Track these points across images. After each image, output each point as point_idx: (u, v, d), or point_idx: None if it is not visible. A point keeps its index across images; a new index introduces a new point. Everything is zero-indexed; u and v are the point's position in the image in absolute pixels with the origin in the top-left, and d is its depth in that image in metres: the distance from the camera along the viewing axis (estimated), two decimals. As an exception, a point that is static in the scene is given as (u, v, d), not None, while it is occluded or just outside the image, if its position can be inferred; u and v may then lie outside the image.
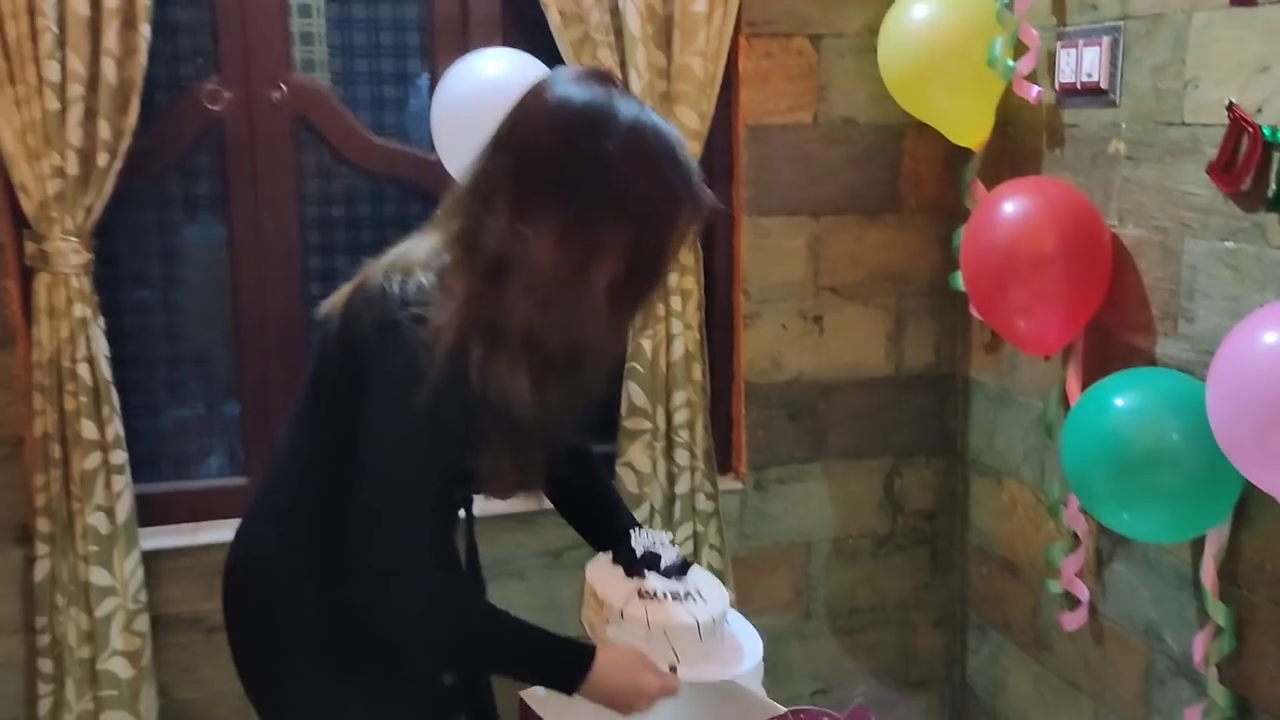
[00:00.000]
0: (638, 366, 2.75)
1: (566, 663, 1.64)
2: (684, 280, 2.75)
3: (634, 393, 2.76)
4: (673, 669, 1.66)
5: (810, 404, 2.99)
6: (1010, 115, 2.70)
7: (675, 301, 2.74)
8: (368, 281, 1.60)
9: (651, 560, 1.75)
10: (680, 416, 2.78)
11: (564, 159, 1.51)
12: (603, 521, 1.96)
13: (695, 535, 2.85)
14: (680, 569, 1.77)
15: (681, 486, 2.81)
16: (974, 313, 2.81)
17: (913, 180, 2.97)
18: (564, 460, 1.76)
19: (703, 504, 2.85)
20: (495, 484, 1.70)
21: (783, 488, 3.00)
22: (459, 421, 1.53)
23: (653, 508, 2.80)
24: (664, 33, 2.67)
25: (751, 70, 2.82)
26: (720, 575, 2.89)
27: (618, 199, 1.51)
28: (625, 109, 1.54)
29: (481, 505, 2.71)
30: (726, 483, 2.96)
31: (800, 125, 2.87)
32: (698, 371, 2.80)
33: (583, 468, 1.96)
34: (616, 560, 1.79)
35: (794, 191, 2.89)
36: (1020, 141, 2.70)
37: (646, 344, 2.74)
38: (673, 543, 1.83)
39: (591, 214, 1.50)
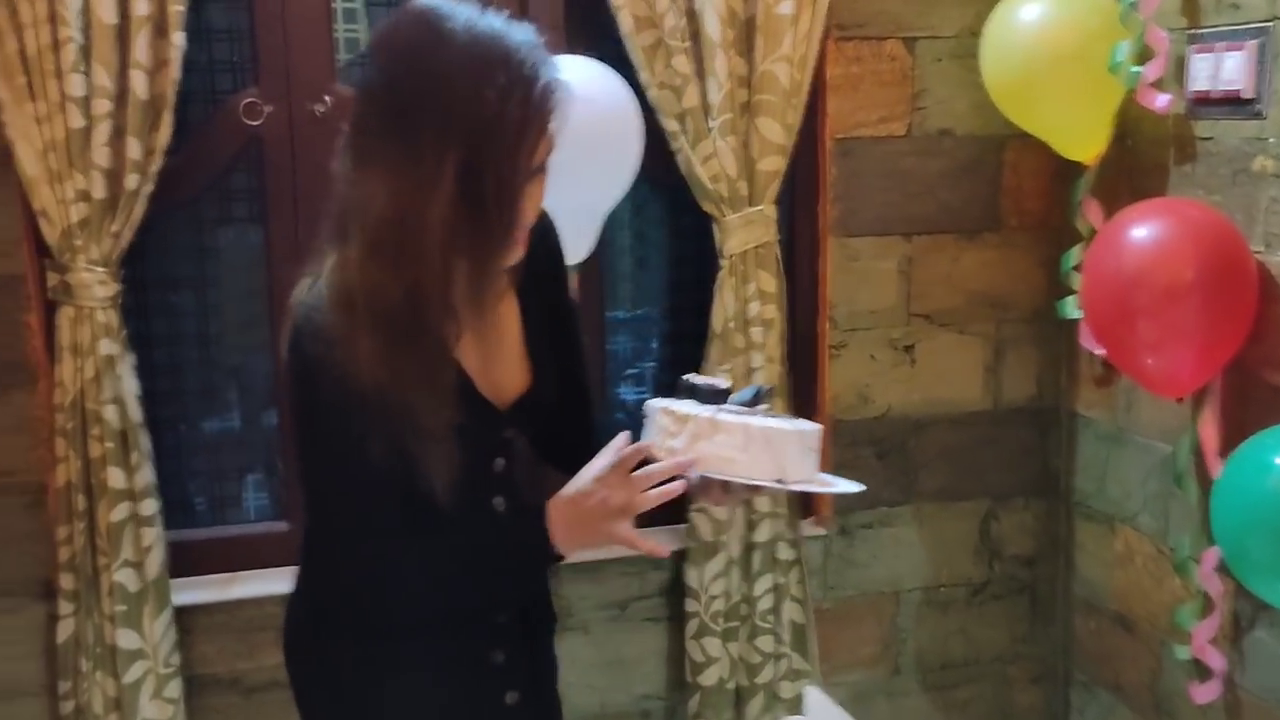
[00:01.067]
0: (714, 403, 2.50)
1: (525, 532, 1.43)
2: (765, 308, 2.50)
3: (710, 432, 2.51)
4: (780, 482, 1.39)
5: (900, 441, 2.73)
6: (1130, 127, 2.43)
7: (756, 332, 2.49)
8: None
9: (720, 395, 1.45)
10: (760, 458, 2.53)
11: (388, 84, 1.33)
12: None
13: (776, 587, 2.60)
14: (755, 399, 1.48)
15: (761, 534, 2.56)
16: (1084, 343, 2.55)
17: (1015, 197, 2.70)
18: (570, 438, 1.59)
19: (784, 553, 2.60)
20: (423, 477, 1.41)
21: (870, 533, 2.75)
22: (343, 416, 1.35)
23: (730, 558, 2.56)
24: (745, 37, 2.42)
25: (840, 77, 2.56)
26: (801, 629, 2.65)
27: (440, 117, 1.28)
28: (461, 15, 1.32)
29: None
30: (809, 528, 2.71)
31: (893, 137, 2.61)
32: (775, 409, 2.55)
33: (586, 429, 1.68)
34: (681, 395, 1.49)
35: (885, 209, 2.63)
36: (1142, 156, 2.42)
37: (723, 380, 2.48)
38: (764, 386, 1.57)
39: (416, 139, 1.29)
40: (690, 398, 1.43)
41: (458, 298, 1.35)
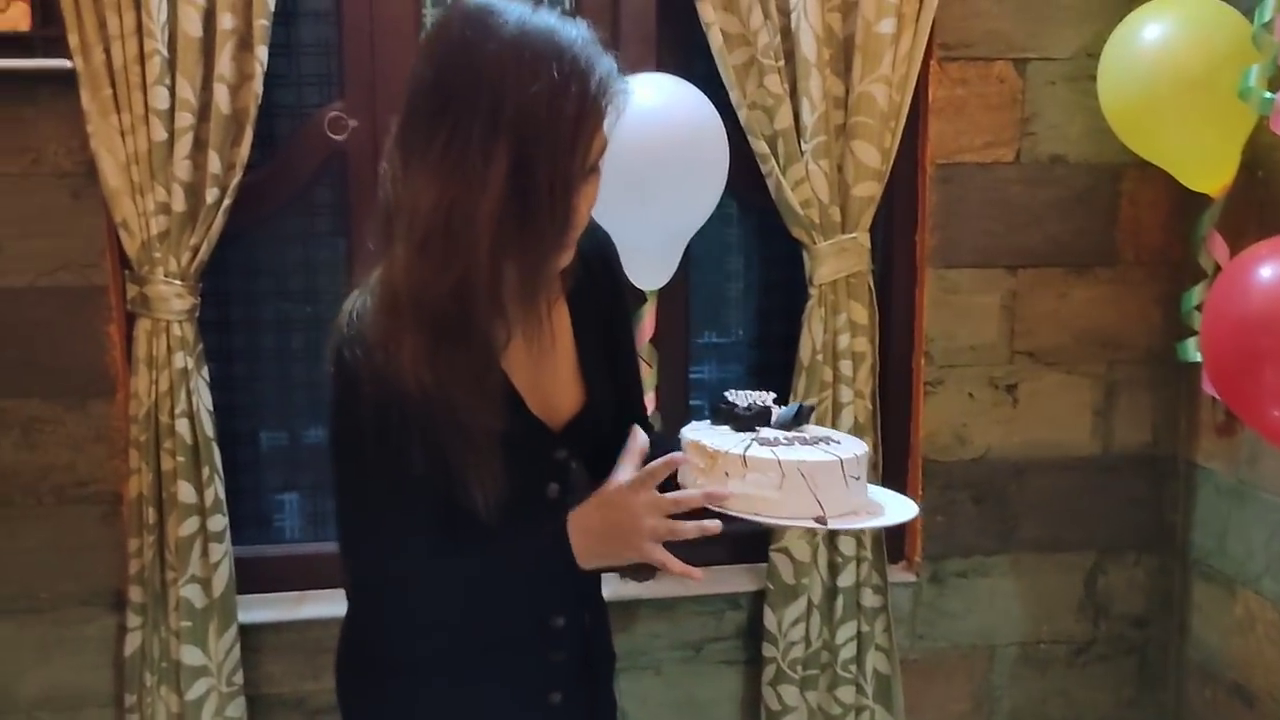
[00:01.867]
0: (799, 438, 2.39)
1: (544, 541, 1.34)
2: (856, 341, 2.38)
3: (794, 469, 2.40)
4: (820, 521, 1.27)
5: (999, 486, 2.57)
6: (1260, 156, 2.25)
7: (845, 366, 2.37)
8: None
9: (761, 417, 1.37)
10: (847, 498, 2.41)
11: (435, 79, 1.27)
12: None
13: (859, 635, 2.47)
14: (796, 418, 1.37)
15: (845, 579, 2.43)
16: (1205, 388, 2.36)
17: (1132, 229, 2.53)
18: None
19: (869, 599, 2.46)
20: (465, 491, 1.34)
21: (964, 582, 2.59)
22: (382, 424, 1.29)
23: (810, 602, 2.43)
24: (843, 57, 2.32)
25: (943, 100, 2.43)
26: (887, 681, 2.51)
27: (489, 111, 1.22)
28: (513, 11, 1.26)
29: (613, 588, 2.43)
30: (897, 574, 2.57)
31: (999, 164, 2.47)
32: (868, 446, 2.42)
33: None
34: (718, 421, 1.40)
35: (988, 240, 2.49)
36: (1273, 187, 2.24)
37: (767, 394, 2.37)
38: (777, 403, 1.42)
39: (464, 134, 1.23)
40: (728, 422, 1.34)
41: (507, 298, 1.29)
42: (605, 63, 1.27)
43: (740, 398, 1.40)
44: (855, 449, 1.32)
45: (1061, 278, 2.53)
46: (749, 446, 1.28)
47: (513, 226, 1.24)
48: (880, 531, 2.46)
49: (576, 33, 1.26)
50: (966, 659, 2.63)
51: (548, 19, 1.26)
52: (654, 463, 1.31)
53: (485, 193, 1.22)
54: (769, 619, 2.45)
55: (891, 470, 2.52)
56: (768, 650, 2.46)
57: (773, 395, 1.39)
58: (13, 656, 2.34)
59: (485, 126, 1.22)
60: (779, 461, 1.25)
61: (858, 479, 1.31)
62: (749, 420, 1.34)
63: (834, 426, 2.39)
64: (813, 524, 1.26)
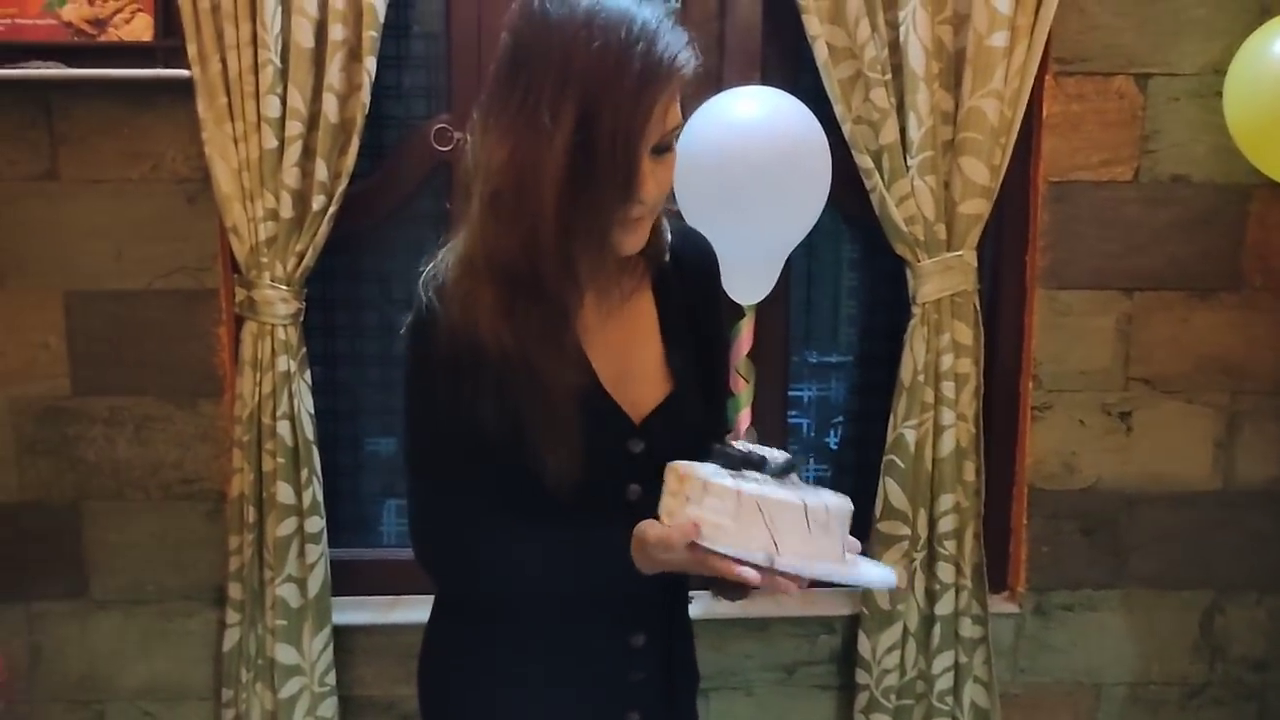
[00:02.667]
0: (897, 460, 2.33)
1: (605, 540, 1.34)
2: (960, 362, 2.31)
3: (891, 491, 2.34)
4: (769, 558, 1.21)
5: (1110, 518, 2.47)
6: (1400, 177, 2.12)
7: (947, 387, 2.31)
8: None
9: (751, 462, 1.31)
10: (946, 524, 2.34)
11: (513, 44, 1.29)
12: None
13: (957, 666, 2.39)
14: (786, 469, 1.31)
15: (943, 607, 2.36)
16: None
17: (1259, 253, 2.41)
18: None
19: (968, 629, 2.39)
20: (538, 460, 1.33)
21: (1070, 615, 2.49)
22: (455, 378, 1.32)
23: (906, 629, 2.37)
24: (953, 70, 2.26)
25: (1058, 116, 2.35)
26: (985, 715, 2.42)
27: (559, 69, 1.24)
28: None
29: (705, 606, 2.40)
30: (998, 604, 2.48)
31: (1116, 182, 2.38)
32: (970, 471, 2.35)
33: None
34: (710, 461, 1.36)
35: (1103, 261, 2.40)
36: None
37: (910, 434, 2.32)
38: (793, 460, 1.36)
39: (535, 92, 1.25)
40: (718, 462, 1.31)
41: (576, 257, 1.29)
42: (677, 35, 1.27)
43: (745, 449, 1.34)
44: (830, 500, 1.26)
45: (1182, 301, 2.42)
46: (718, 475, 1.25)
47: (577, 185, 1.25)
48: (981, 560, 2.38)
49: (651, 8, 1.27)
50: (1071, 696, 2.52)
51: None
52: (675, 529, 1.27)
53: (550, 148, 1.23)
54: (863, 644, 2.39)
55: (995, 497, 2.44)
56: (861, 677, 2.40)
57: (785, 456, 1.33)
58: (119, 646, 2.42)
59: (555, 84, 1.23)
60: (737, 491, 1.22)
61: (824, 528, 1.24)
62: (733, 462, 1.30)
63: (934, 450, 2.33)
64: (760, 558, 1.21)
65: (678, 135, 1.30)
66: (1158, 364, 2.43)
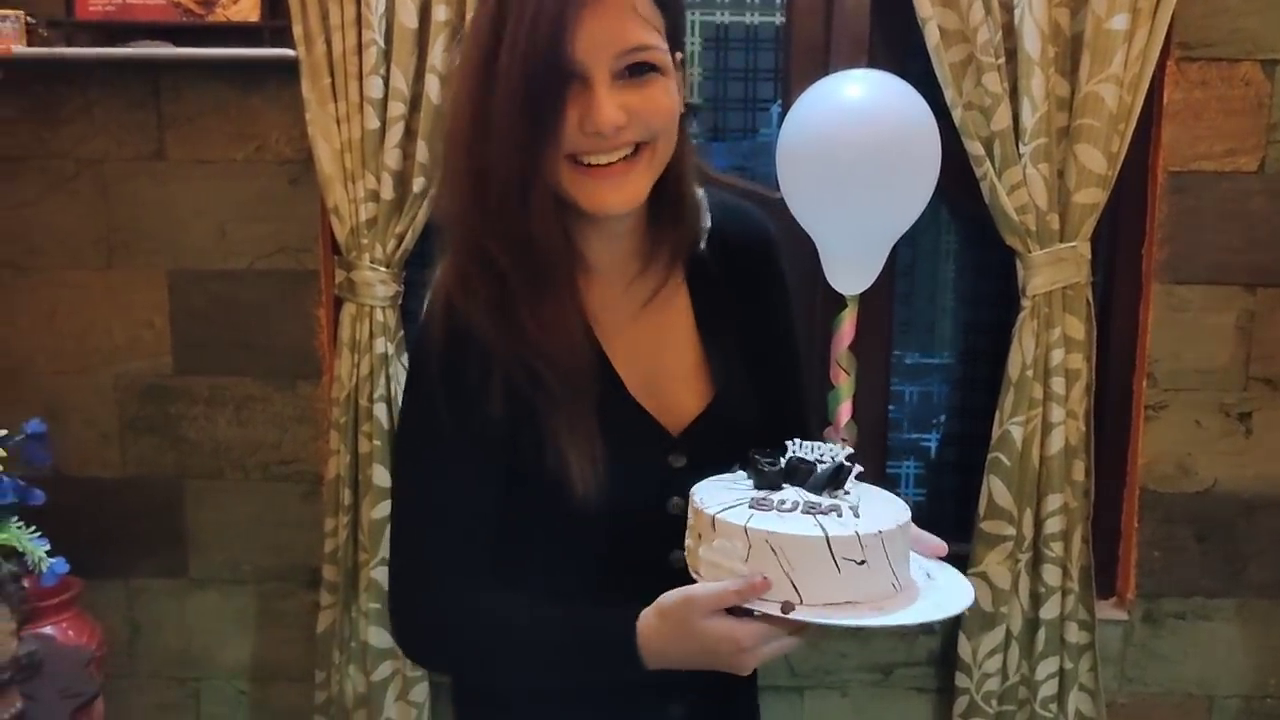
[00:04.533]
0: (1003, 458, 2.26)
1: (608, 640, 1.13)
2: (1070, 357, 2.23)
3: (996, 490, 2.27)
4: (786, 608, 1.03)
5: (1227, 523, 2.37)
6: None
7: (1057, 383, 2.23)
8: None
9: (800, 471, 1.14)
10: (1053, 525, 2.26)
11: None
12: None
13: (1062, 672, 2.31)
14: (835, 477, 1.12)
15: (1048, 611, 2.28)
16: None
17: (1391, 248, 2.30)
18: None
19: (1074, 635, 2.30)
20: (554, 465, 1.16)
21: (1182, 624, 2.39)
22: (451, 390, 1.16)
23: (1009, 632, 2.29)
24: (1069, 55, 2.18)
25: (1180, 103, 2.26)
26: (1090, 725, 2.34)
27: (479, 25, 1.13)
28: None
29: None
30: (1106, 610, 2.39)
31: (1240, 173, 2.28)
32: (1080, 471, 2.27)
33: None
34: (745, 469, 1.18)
35: (1225, 255, 2.30)
36: None
37: (1017, 431, 2.24)
38: (850, 461, 1.14)
39: (474, 29, 1.14)
40: (753, 477, 1.14)
41: (524, 220, 1.12)
42: None
43: (805, 449, 1.16)
44: (866, 526, 1.05)
45: (1307, 299, 2.31)
46: (729, 509, 1.08)
47: (485, 120, 1.10)
48: (1089, 563, 2.30)
49: None
50: (1181, 708, 2.42)
51: None
52: (732, 584, 1.06)
53: (463, 83, 1.13)
54: (963, 647, 2.32)
55: (1105, 499, 2.35)
56: (961, 680, 2.33)
57: (846, 451, 1.14)
58: (217, 625, 2.44)
59: (475, 24, 1.14)
60: (745, 529, 1.04)
61: (858, 562, 1.03)
62: (773, 476, 1.12)
63: (1042, 448, 2.25)
64: (776, 609, 1.03)
65: (653, 56, 1.11)
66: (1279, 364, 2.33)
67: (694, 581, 1.10)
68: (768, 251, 1.33)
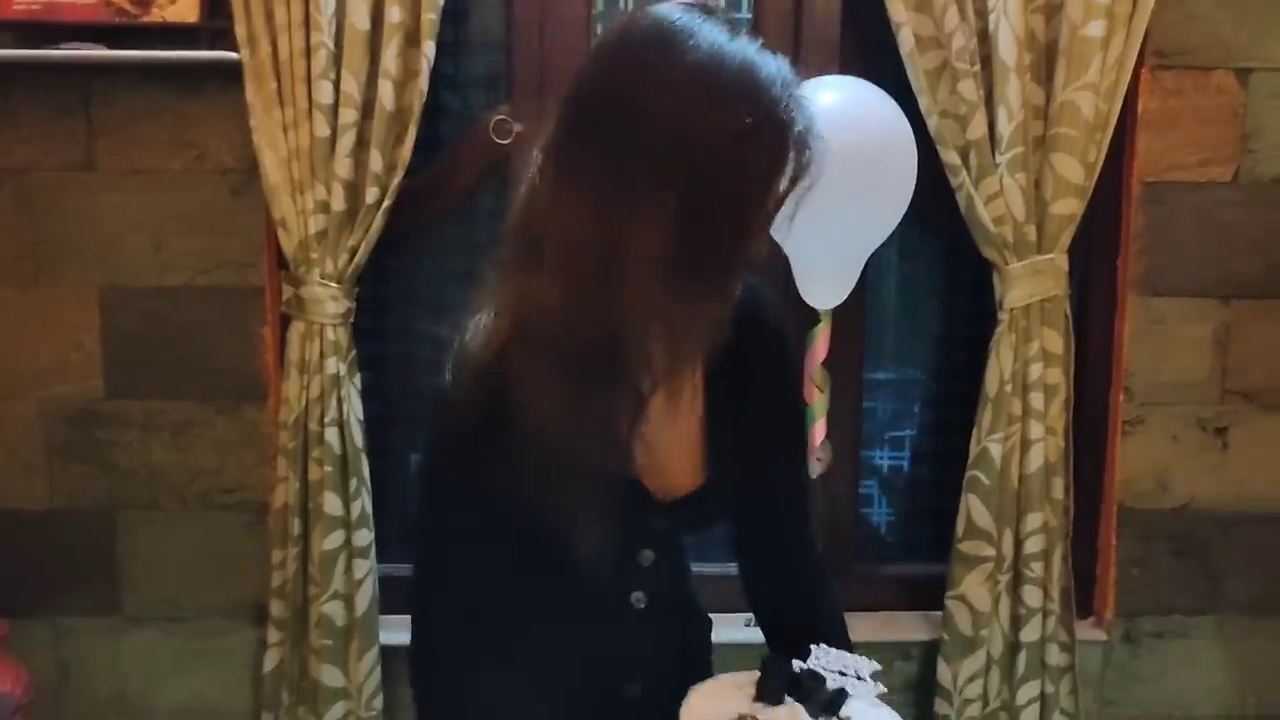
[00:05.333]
0: (981, 476, 2.19)
1: None
2: (1049, 372, 2.17)
3: (975, 510, 2.20)
4: None
5: (1204, 539, 2.33)
6: None
7: (1035, 399, 2.17)
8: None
9: (807, 687, 1.15)
10: (1033, 544, 2.20)
11: (606, 93, 1.09)
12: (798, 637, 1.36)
13: (1043, 697, 2.24)
14: (833, 703, 1.13)
15: (1029, 633, 2.22)
16: None
17: (1364, 259, 2.27)
18: (773, 571, 1.40)
19: (1055, 657, 2.24)
20: (569, 542, 1.18)
21: (1160, 644, 2.35)
22: (476, 455, 1.16)
23: (989, 656, 2.22)
24: (1045, 62, 2.13)
25: (1155, 112, 2.22)
26: (1072, 749, 2.27)
27: (664, 148, 1.04)
28: (705, 34, 1.06)
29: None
30: (1085, 630, 2.33)
31: (1215, 184, 2.24)
32: (1059, 488, 2.21)
33: (800, 581, 1.41)
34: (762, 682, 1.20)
35: (1200, 267, 2.26)
36: None
37: (995, 449, 2.18)
38: (869, 677, 1.17)
39: (631, 167, 1.05)
40: (761, 697, 1.15)
41: (654, 351, 1.13)
42: (806, 114, 1.08)
43: (828, 659, 1.17)
44: None
45: (1281, 311, 2.28)
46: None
47: (670, 275, 1.07)
48: (1070, 583, 2.24)
49: (777, 72, 1.07)
50: (1160, 729, 2.38)
51: (745, 50, 1.07)
52: None
53: (644, 237, 1.05)
54: (943, 673, 2.24)
55: (1083, 516, 2.29)
56: (941, 707, 2.25)
57: (872, 667, 1.16)
58: (154, 665, 2.29)
59: (657, 162, 1.04)
60: None
61: None
62: (774, 690, 1.13)
63: (1021, 466, 2.18)
64: None
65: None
66: (1256, 377, 2.29)
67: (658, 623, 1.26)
68: (769, 316, 1.33)
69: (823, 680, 1.14)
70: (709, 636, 1.48)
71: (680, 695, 1.35)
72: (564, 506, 1.14)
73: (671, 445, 1.26)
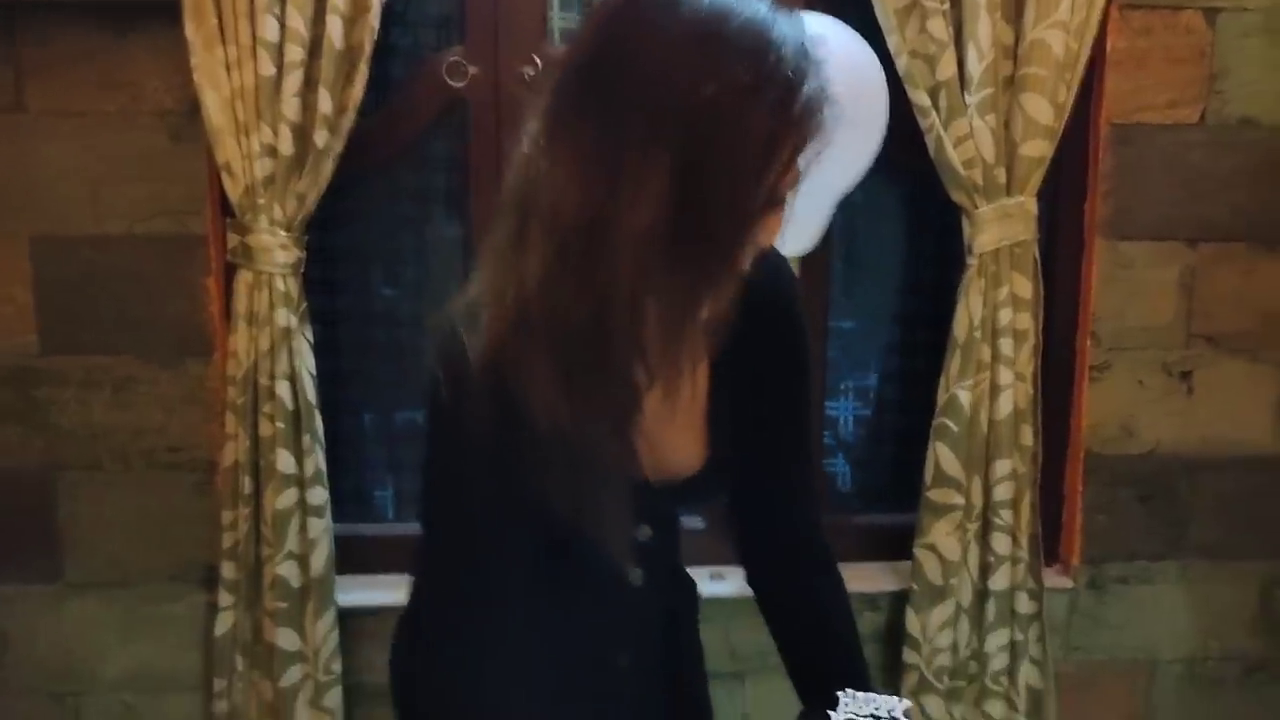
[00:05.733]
0: (950, 424, 2.16)
1: None
2: (1019, 317, 2.14)
3: (944, 458, 2.17)
4: None
5: (1169, 484, 2.32)
6: None
7: (1005, 344, 2.14)
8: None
9: None
10: (1002, 492, 2.17)
11: (599, 53, 1.02)
12: (815, 661, 1.35)
13: (1013, 645, 2.23)
14: None
15: (998, 582, 2.20)
16: None
17: (1328, 202, 2.26)
18: (775, 552, 1.35)
19: (1024, 605, 2.23)
20: (570, 528, 1.14)
21: (1125, 589, 2.34)
22: (476, 438, 1.08)
23: (959, 605, 2.20)
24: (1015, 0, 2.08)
25: (1123, 51, 2.18)
26: (1039, 696, 2.27)
27: (658, 107, 0.96)
28: None
29: (739, 587, 2.21)
30: (1051, 578, 2.32)
31: (1182, 125, 2.21)
32: (1028, 435, 2.19)
33: (802, 571, 1.37)
34: None
35: (1167, 209, 2.24)
36: None
37: (964, 396, 2.15)
38: (902, 715, 1.15)
39: (620, 128, 0.97)
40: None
41: (647, 337, 1.05)
42: (818, 73, 1.00)
43: (859, 704, 1.15)
44: None
45: (1247, 254, 2.26)
46: None
47: (663, 250, 0.99)
48: (1038, 530, 2.22)
49: (789, 31, 0.99)
50: (1126, 674, 2.38)
51: (753, 7, 0.99)
52: None
53: (634, 207, 0.97)
54: (912, 622, 2.22)
55: (1050, 463, 2.27)
56: (909, 657, 2.23)
57: (904, 706, 1.14)
58: (97, 634, 2.20)
59: (651, 121, 0.96)
60: None
61: None
62: None
63: (991, 412, 2.16)
64: None
65: (796, 187, 1.06)
66: (1221, 320, 2.28)
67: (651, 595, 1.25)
68: (786, 291, 1.27)
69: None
70: (696, 600, 1.45)
71: (669, 662, 1.36)
72: (571, 500, 1.09)
73: (672, 438, 1.21)
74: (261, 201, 1.99)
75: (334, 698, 2.12)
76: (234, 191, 2.00)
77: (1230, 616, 2.37)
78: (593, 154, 0.99)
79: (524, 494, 1.09)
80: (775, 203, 1.04)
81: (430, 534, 1.22)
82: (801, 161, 1.03)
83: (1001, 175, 2.11)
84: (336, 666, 2.12)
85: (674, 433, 1.21)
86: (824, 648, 1.35)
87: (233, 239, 2.03)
